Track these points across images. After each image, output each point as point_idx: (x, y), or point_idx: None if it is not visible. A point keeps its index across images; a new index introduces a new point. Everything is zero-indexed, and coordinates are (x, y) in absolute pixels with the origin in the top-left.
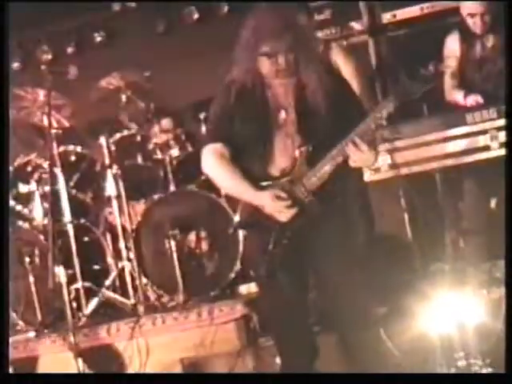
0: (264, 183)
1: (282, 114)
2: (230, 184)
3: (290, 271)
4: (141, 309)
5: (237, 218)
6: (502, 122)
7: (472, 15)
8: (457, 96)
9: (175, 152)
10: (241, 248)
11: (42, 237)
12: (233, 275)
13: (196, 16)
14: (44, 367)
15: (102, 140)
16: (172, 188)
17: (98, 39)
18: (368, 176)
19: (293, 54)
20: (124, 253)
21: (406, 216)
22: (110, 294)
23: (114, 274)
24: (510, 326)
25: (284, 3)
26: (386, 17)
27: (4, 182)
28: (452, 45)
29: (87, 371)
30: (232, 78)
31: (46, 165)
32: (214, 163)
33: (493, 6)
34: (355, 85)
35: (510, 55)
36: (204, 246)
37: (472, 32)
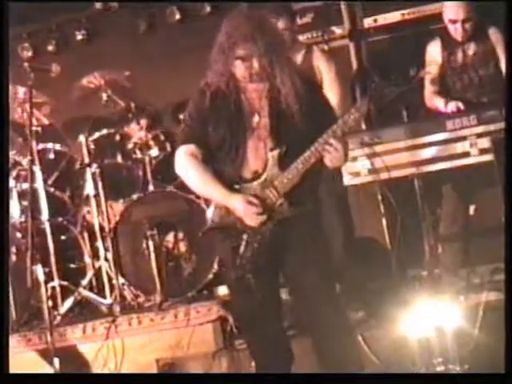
0: (236, 186)
1: (255, 118)
2: (201, 185)
3: (261, 274)
4: (117, 309)
5: (209, 220)
6: (481, 128)
7: (453, 21)
8: (437, 102)
9: (154, 152)
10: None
11: (19, 234)
12: (210, 276)
13: (178, 16)
14: (17, 366)
15: (82, 138)
16: (151, 188)
17: (80, 37)
18: (347, 180)
19: (267, 57)
20: (101, 252)
21: (385, 221)
22: (86, 292)
23: (90, 273)
24: (510, 328)
25: (262, 4)
26: (368, 21)
27: (4, 183)
28: (433, 51)
29: (61, 371)
30: (207, 81)
31: (24, 162)
32: (186, 164)
33: (474, 12)
34: (335, 89)
35: (510, 55)
36: (182, 246)
37: (453, 39)
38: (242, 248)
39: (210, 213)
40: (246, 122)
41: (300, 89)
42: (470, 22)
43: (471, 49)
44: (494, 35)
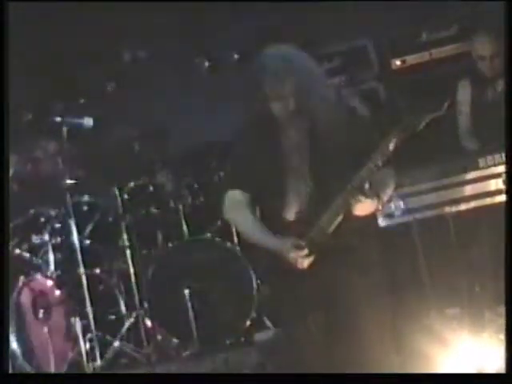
0: (281, 228)
1: (296, 157)
2: (250, 231)
3: (314, 314)
4: (155, 358)
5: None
6: None
7: (482, 58)
8: (469, 140)
9: (188, 200)
10: (255, 295)
11: (55, 287)
12: (248, 323)
13: (207, 64)
14: None
15: (115, 190)
16: (186, 236)
17: (110, 89)
18: (381, 221)
19: (303, 96)
20: (138, 302)
21: (421, 260)
22: (124, 344)
23: (127, 323)
24: (510, 328)
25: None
26: (396, 63)
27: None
28: (464, 90)
29: None
30: (246, 123)
31: (59, 216)
32: (234, 210)
33: (502, 48)
34: (366, 129)
35: (510, 55)
36: (219, 293)
37: (482, 76)
38: (296, 289)
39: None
40: (286, 162)
41: (340, 126)
42: (498, 57)
43: (501, 86)
44: None
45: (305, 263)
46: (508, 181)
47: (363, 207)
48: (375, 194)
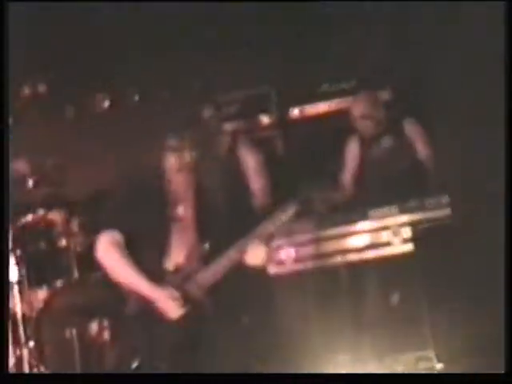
0: (158, 278)
1: (180, 210)
2: (124, 275)
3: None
4: None
5: (128, 309)
6: (404, 218)
7: (364, 121)
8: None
9: (80, 239)
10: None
11: None
12: (135, 365)
13: (107, 103)
14: None
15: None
16: (75, 275)
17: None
18: (272, 269)
19: (197, 149)
20: (23, 341)
21: (309, 309)
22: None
23: (12, 361)
24: (510, 326)
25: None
26: (294, 112)
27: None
28: (352, 145)
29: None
30: (134, 168)
31: None
32: (109, 252)
33: (383, 108)
34: (257, 180)
35: (510, 55)
36: (106, 335)
37: (369, 133)
38: (159, 339)
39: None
40: (170, 213)
41: (228, 182)
42: (380, 120)
43: (388, 143)
44: (410, 128)
45: (175, 314)
46: (508, 180)
47: (257, 257)
48: (266, 242)
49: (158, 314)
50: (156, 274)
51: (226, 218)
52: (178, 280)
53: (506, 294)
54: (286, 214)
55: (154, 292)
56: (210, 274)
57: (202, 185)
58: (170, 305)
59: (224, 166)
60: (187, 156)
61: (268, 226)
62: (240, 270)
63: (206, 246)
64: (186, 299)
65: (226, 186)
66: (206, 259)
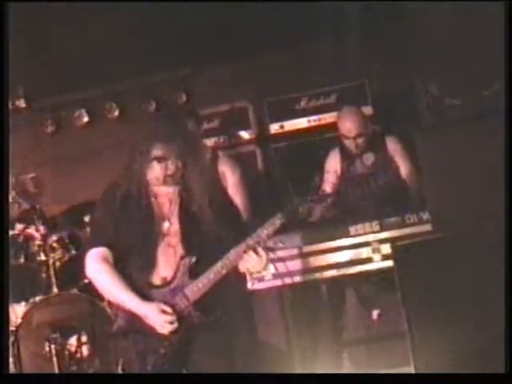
0: (146, 292)
1: (166, 224)
2: (113, 291)
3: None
4: None
5: (115, 324)
6: (384, 234)
7: (346, 137)
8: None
9: (58, 254)
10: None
11: None
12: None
13: (86, 119)
14: None
15: None
16: (54, 290)
17: None
18: (251, 285)
19: (182, 160)
20: None
21: (289, 325)
22: None
23: None
24: (510, 325)
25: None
26: (274, 127)
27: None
28: (332, 161)
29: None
30: (117, 183)
31: None
32: (97, 268)
33: (367, 126)
34: (238, 194)
35: (510, 55)
36: (85, 350)
37: (353, 149)
38: (149, 354)
39: (117, 316)
40: (156, 227)
41: (212, 195)
42: (362, 137)
43: (369, 159)
44: (392, 144)
45: (166, 329)
46: (508, 181)
47: (256, 264)
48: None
49: (147, 330)
50: (144, 289)
51: (212, 231)
52: (166, 294)
53: (505, 294)
54: (269, 228)
55: (146, 308)
56: (197, 288)
57: (188, 198)
58: (161, 320)
59: (208, 179)
60: (172, 168)
61: (252, 240)
62: (225, 283)
63: (192, 259)
64: (175, 313)
65: (211, 199)
66: (193, 273)
